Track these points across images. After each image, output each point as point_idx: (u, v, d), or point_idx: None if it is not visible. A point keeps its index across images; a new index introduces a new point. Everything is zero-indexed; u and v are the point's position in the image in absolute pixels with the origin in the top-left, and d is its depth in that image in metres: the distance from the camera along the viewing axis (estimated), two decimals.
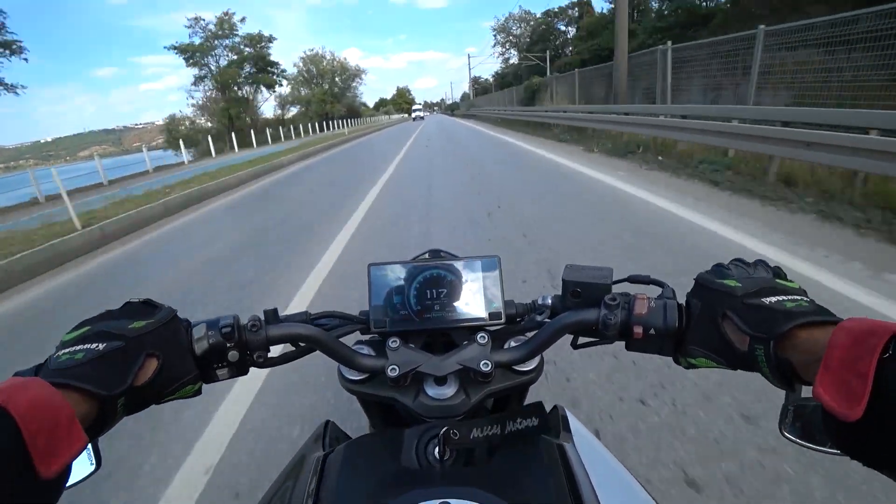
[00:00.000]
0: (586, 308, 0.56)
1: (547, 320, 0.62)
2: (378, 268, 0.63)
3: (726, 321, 0.46)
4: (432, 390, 0.59)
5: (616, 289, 0.58)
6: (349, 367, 0.60)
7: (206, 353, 0.53)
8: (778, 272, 0.51)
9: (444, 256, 0.68)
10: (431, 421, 0.58)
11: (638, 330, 0.52)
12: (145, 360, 0.46)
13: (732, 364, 0.47)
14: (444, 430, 0.51)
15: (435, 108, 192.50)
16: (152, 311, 0.51)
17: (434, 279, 0.63)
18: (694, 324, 0.50)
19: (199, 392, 0.53)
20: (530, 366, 0.62)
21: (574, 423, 0.68)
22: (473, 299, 0.63)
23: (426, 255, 0.71)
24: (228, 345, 0.53)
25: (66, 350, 0.44)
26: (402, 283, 0.63)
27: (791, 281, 0.48)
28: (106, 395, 0.41)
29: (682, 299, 0.54)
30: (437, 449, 0.52)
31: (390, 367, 0.57)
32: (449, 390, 0.59)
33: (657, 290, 0.57)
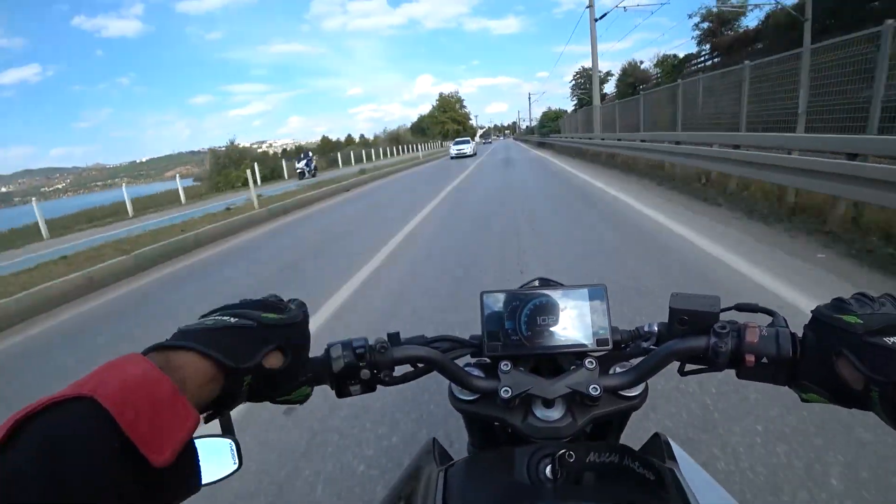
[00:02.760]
0: (694, 335, 0.57)
1: (653, 347, 0.64)
2: (490, 295, 0.67)
3: (841, 359, 0.44)
4: (540, 412, 0.62)
5: (723, 317, 0.58)
6: (463, 386, 0.64)
7: (342, 371, 0.58)
8: None
9: (553, 284, 0.71)
10: (539, 442, 0.60)
11: (750, 358, 0.53)
12: (273, 351, 0.45)
13: (845, 402, 0.46)
14: (560, 451, 0.53)
15: (506, 131, 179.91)
16: (286, 309, 0.51)
17: (543, 306, 0.66)
18: (807, 358, 0.50)
19: (307, 398, 0.56)
20: (636, 391, 0.63)
21: (678, 450, 0.68)
22: (581, 325, 0.65)
23: (535, 283, 0.74)
24: (361, 364, 0.59)
25: (198, 321, 0.43)
26: (513, 309, 0.66)
27: None
28: (233, 366, 0.39)
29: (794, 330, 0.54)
30: (548, 468, 0.54)
31: (503, 389, 0.60)
32: (556, 413, 0.61)
33: (766, 320, 0.57)
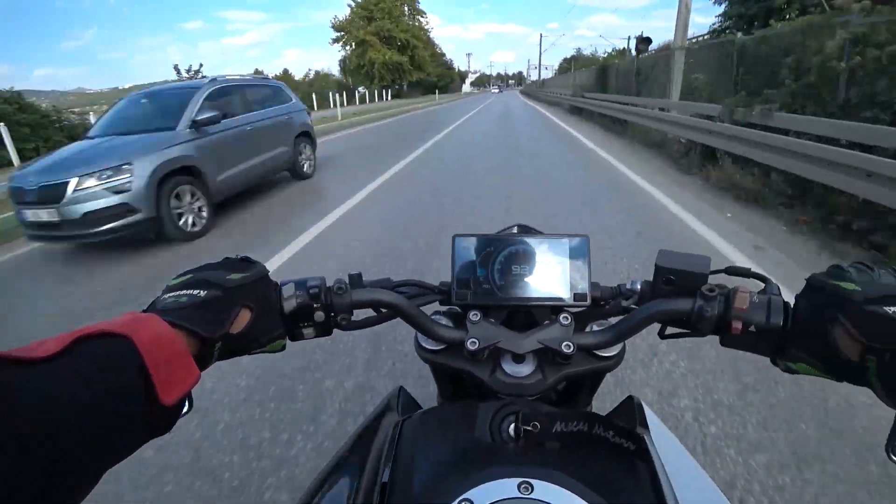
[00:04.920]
0: (680, 297, 0.53)
1: (634, 306, 0.60)
2: (463, 239, 0.62)
3: (837, 327, 0.42)
4: (509, 367, 0.58)
5: (712, 280, 0.54)
6: (428, 336, 0.60)
7: (293, 312, 0.54)
8: None
9: (532, 232, 0.66)
10: (505, 398, 0.57)
11: (737, 325, 0.49)
12: (240, 311, 0.48)
13: (837, 375, 0.44)
14: (522, 408, 0.50)
15: (511, 81, 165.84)
16: (247, 267, 0.53)
17: (520, 255, 0.61)
18: (800, 326, 0.47)
19: (283, 348, 0.55)
20: (612, 352, 0.60)
21: (650, 416, 0.66)
22: (558, 278, 0.61)
23: (514, 229, 0.70)
24: (315, 305, 0.55)
25: (172, 294, 0.46)
26: (486, 256, 0.61)
27: None
28: (207, 337, 0.44)
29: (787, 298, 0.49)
30: (511, 426, 0.51)
31: (470, 340, 0.56)
32: (526, 368, 0.58)
33: (757, 287, 0.53)
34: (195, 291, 0.47)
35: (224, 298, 0.47)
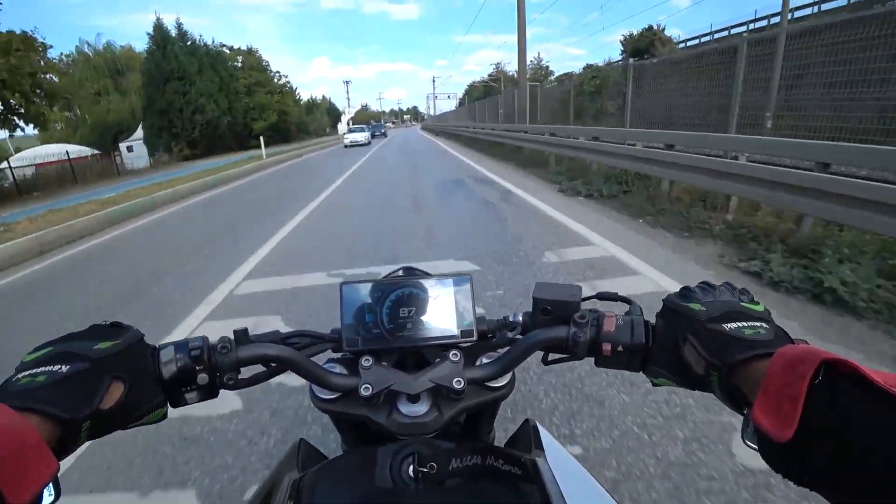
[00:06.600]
0: (556, 325, 0.58)
1: (518, 337, 0.63)
2: (350, 286, 0.63)
3: (687, 345, 0.47)
4: (405, 408, 0.59)
5: (585, 305, 0.59)
6: (322, 385, 0.59)
7: (174, 377, 0.51)
8: (743, 294, 0.51)
9: (417, 274, 0.68)
10: (405, 438, 0.58)
11: (606, 347, 0.54)
12: (111, 384, 0.44)
13: (690, 385, 0.49)
14: (418, 449, 0.51)
15: (406, 116, 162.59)
16: (118, 333, 0.48)
17: (406, 297, 0.63)
18: (658, 345, 0.52)
19: (164, 416, 0.51)
20: (502, 382, 0.62)
21: (546, 436, 0.69)
22: (445, 316, 0.63)
23: (399, 273, 0.71)
24: (197, 368, 0.52)
25: (27, 373, 0.41)
26: (374, 301, 0.63)
27: (756, 303, 0.49)
28: (70, 418, 0.39)
29: (649, 317, 0.55)
30: (411, 468, 0.52)
31: (363, 386, 0.56)
32: (422, 408, 0.59)
33: (624, 307, 0.59)
34: (55, 367, 0.41)
35: (91, 372, 0.43)
